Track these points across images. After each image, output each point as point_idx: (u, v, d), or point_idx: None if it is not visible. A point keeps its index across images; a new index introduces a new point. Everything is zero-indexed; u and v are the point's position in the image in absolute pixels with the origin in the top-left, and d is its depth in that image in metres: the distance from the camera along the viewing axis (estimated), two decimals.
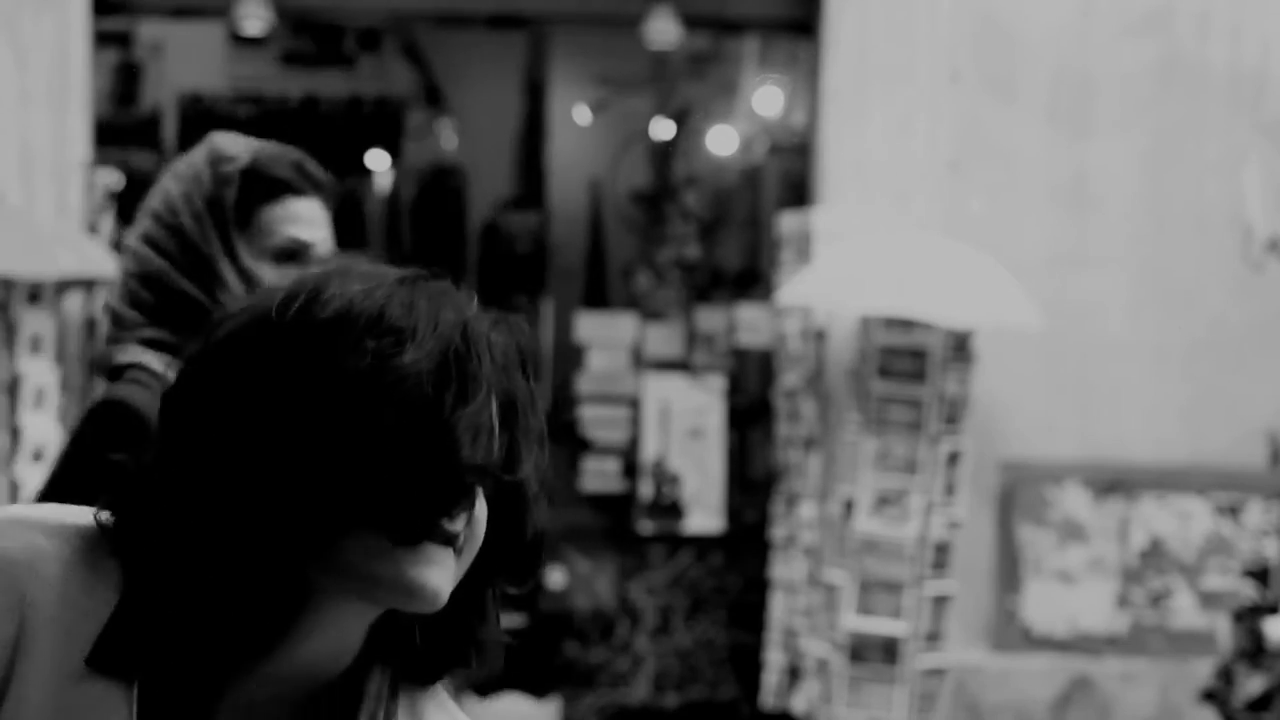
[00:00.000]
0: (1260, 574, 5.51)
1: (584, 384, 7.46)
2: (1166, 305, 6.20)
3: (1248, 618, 5.20)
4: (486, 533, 1.30)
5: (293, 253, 2.60)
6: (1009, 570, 6.19)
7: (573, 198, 10.28)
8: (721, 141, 8.85)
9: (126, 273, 2.59)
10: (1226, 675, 5.15)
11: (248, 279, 2.54)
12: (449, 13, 7.38)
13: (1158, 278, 6.21)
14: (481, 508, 1.29)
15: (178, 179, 2.59)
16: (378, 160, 10.44)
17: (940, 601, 5.71)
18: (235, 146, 2.60)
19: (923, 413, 5.61)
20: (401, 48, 9.89)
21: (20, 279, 5.29)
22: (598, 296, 9.77)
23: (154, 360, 2.51)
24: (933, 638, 5.70)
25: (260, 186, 2.58)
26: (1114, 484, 6.20)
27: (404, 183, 10.63)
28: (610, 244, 10.05)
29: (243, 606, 1.25)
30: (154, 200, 2.60)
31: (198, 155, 2.60)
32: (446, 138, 10.73)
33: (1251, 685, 5.02)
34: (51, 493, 2.42)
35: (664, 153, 9.16)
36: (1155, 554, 6.20)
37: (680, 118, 9.18)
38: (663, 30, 6.91)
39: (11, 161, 5.75)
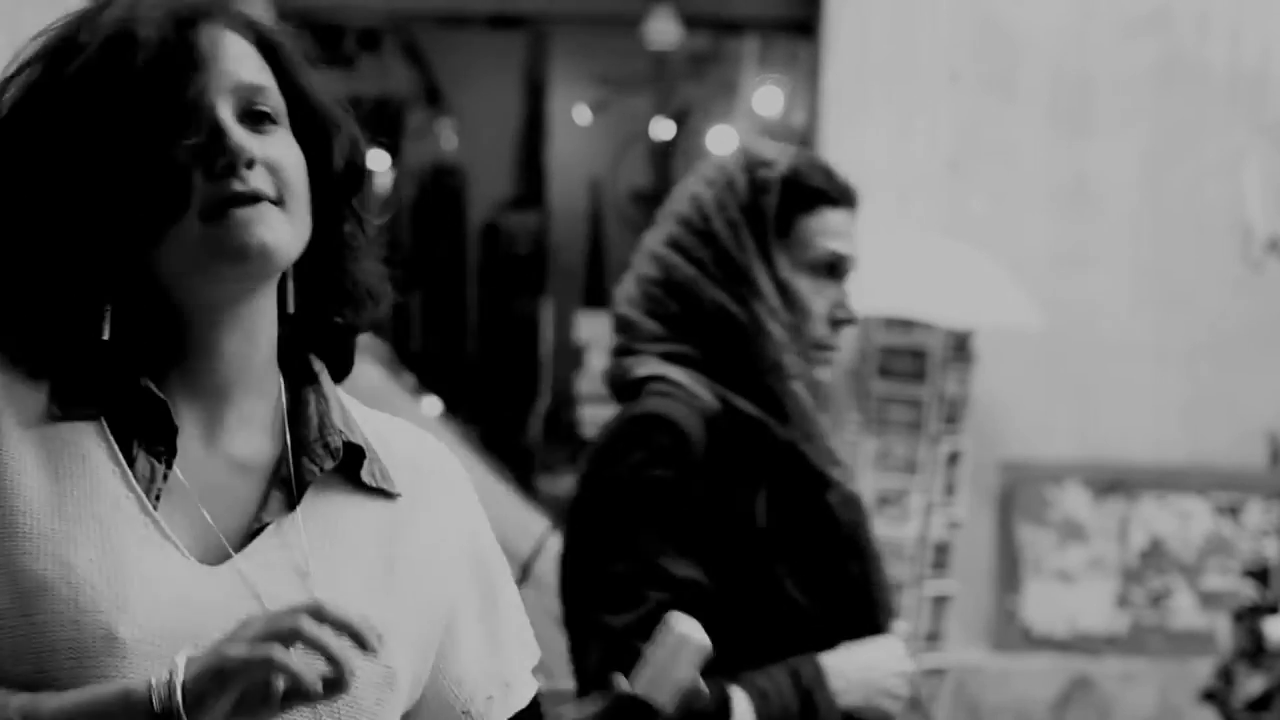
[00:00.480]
0: (1260, 574, 5.50)
1: (584, 384, 7.46)
2: (1166, 305, 6.20)
3: (1248, 618, 5.20)
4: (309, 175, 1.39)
5: (832, 266, 2.52)
6: (1009, 570, 6.19)
7: (573, 198, 10.29)
8: (721, 141, 8.85)
9: (647, 280, 2.45)
10: (1226, 675, 5.15)
11: (784, 290, 2.44)
12: (449, 13, 7.38)
13: (1158, 278, 6.21)
14: (282, 153, 1.38)
15: (708, 184, 2.45)
16: (377, 160, 10.44)
17: (940, 601, 5.71)
18: (771, 152, 2.49)
19: (923, 413, 5.61)
20: (401, 48, 9.89)
21: None
22: (598, 296, 9.77)
23: (678, 374, 2.38)
24: (933, 638, 5.70)
25: (799, 195, 2.47)
26: (1114, 484, 6.20)
27: (404, 183, 10.63)
28: (610, 244, 10.05)
29: (128, 332, 1.37)
30: (679, 205, 2.46)
31: (731, 160, 2.48)
32: (446, 138, 10.74)
33: (1251, 685, 5.02)
34: (594, 518, 2.31)
35: (664, 153, 9.16)
36: (1155, 554, 6.21)
37: (680, 118, 9.19)
38: (663, 30, 6.91)
39: None
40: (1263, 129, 6.18)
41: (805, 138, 6.53)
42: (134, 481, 1.35)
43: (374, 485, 1.44)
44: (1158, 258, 6.21)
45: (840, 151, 6.24)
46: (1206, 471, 6.20)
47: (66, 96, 1.38)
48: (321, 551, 1.40)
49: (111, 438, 1.36)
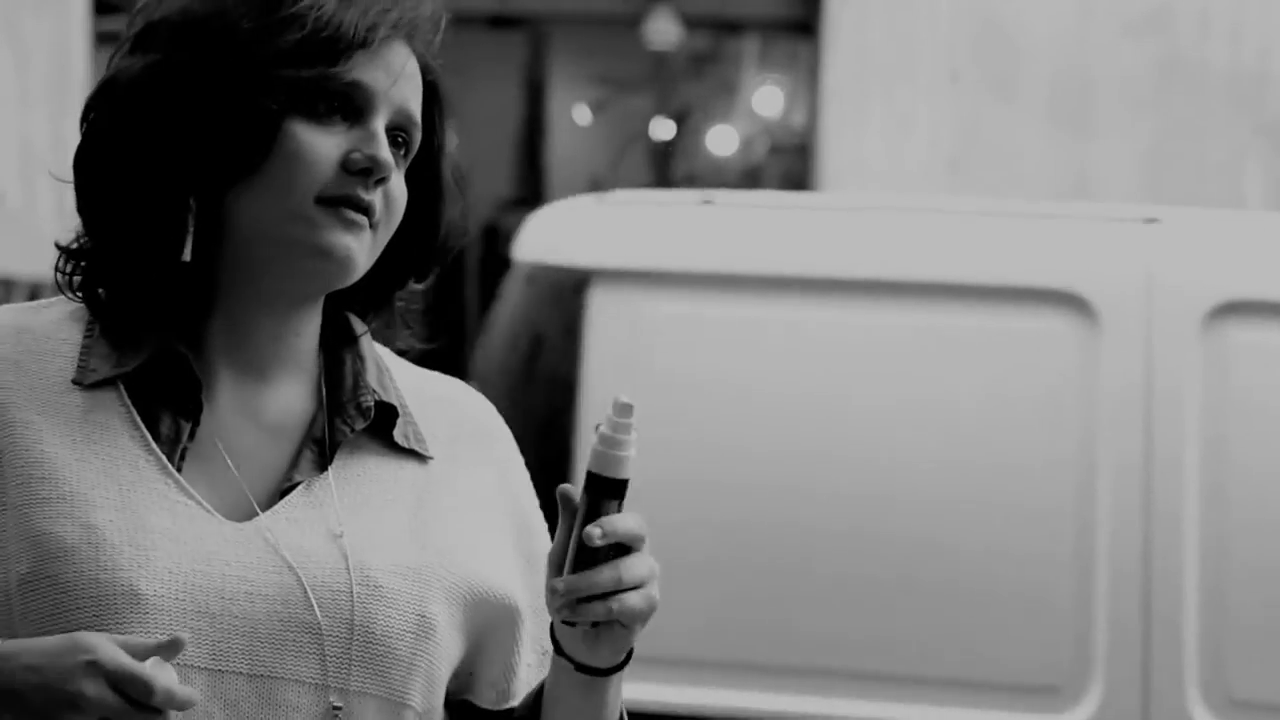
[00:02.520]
0: None
1: None
2: None
3: None
4: (404, 220, 1.43)
5: None
6: None
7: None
8: (721, 141, 8.85)
9: None
10: None
11: None
12: (449, 13, 7.38)
13: None
14: (400, 189, 1.41)
15: None
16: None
17: None
18: None
19: None
20: None
21: (20, 279, 5.29)
22: None
23: None
24: None
25: None
26: None
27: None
28: None
29: (167, 279, 1.39)
30: None
31: None
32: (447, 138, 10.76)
33: None
34: None
35: (664, 153, 9.16)
36: None
37: (680, 118, 9.19)
38: (663, 30, 6.91)
39: (11, 161, 5.75)
40: (1263, 129, 6.18)
41: (805, 138, 6.53)
42: (153, 443, 1.37)
43: (406, 446, 1.45)
44: None
45: (840, 151, 6.24)
46: None
47: (248, 29, 1.37)
48: (354, 510, 1.41)
49: (130, 402, 1.39)
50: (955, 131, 6.19)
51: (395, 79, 1.41)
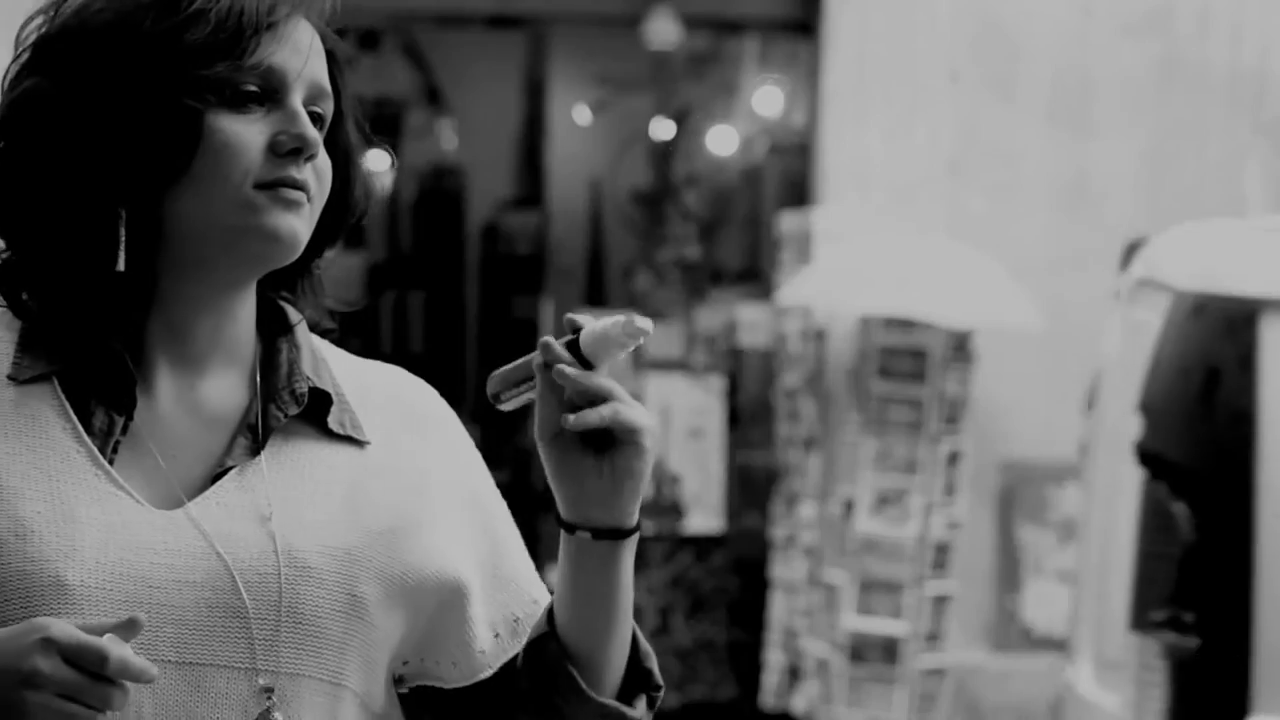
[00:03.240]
0: None
1: None
2: None
3: None
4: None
5: None
6: (1009, 570, 6.19)
7: (573, 198, 10.28)
8: (721, 141, 8.84)
9: None
10: None
11: None
12: (449, 13, 7.38)
13: None
14: (325, 161, 1.42)
15: None
16: (378, 160, 10.43)
17: (940, 601, 5.71)
18: None
19: (923, 413, 5.62)
20: (401, 48, 9.88)
21: None
22: (598, 296, 9.77)
23: None
24: (933, 638, 5.70)
25: None
26: None
27: (404, 183, 10.63)
28: (610, 244, 10.05)
29: (102, 286, 1.39)
30: None
31: None
32: (446, 138, 10.73)
33: None
34: None
35: (664, 153, 9.16)
36: None
37: (680, 118, 9.18)
38: (663, 30, 6.91)
39: None
40: (1263, 129, 6.18)
41: (805, 138, 6.53)
42: (84, 435, 1.38)
43: (341, 433, 1.46)
44: None
45: (840, 151, 6.24)
46: None
47: (153, 31, 1.38)
48: (284, 494, 1.41)
49: (63, 396, 1.39)
50: (955, 131, 6.19)
51: (305, 57, 1.41)
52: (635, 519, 1.42)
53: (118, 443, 1.40)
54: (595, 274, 10.18)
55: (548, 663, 1.44)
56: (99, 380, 1.41)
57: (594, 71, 9.83)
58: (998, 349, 5.97)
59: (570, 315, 1.42)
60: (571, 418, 1.37)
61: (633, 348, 1.38)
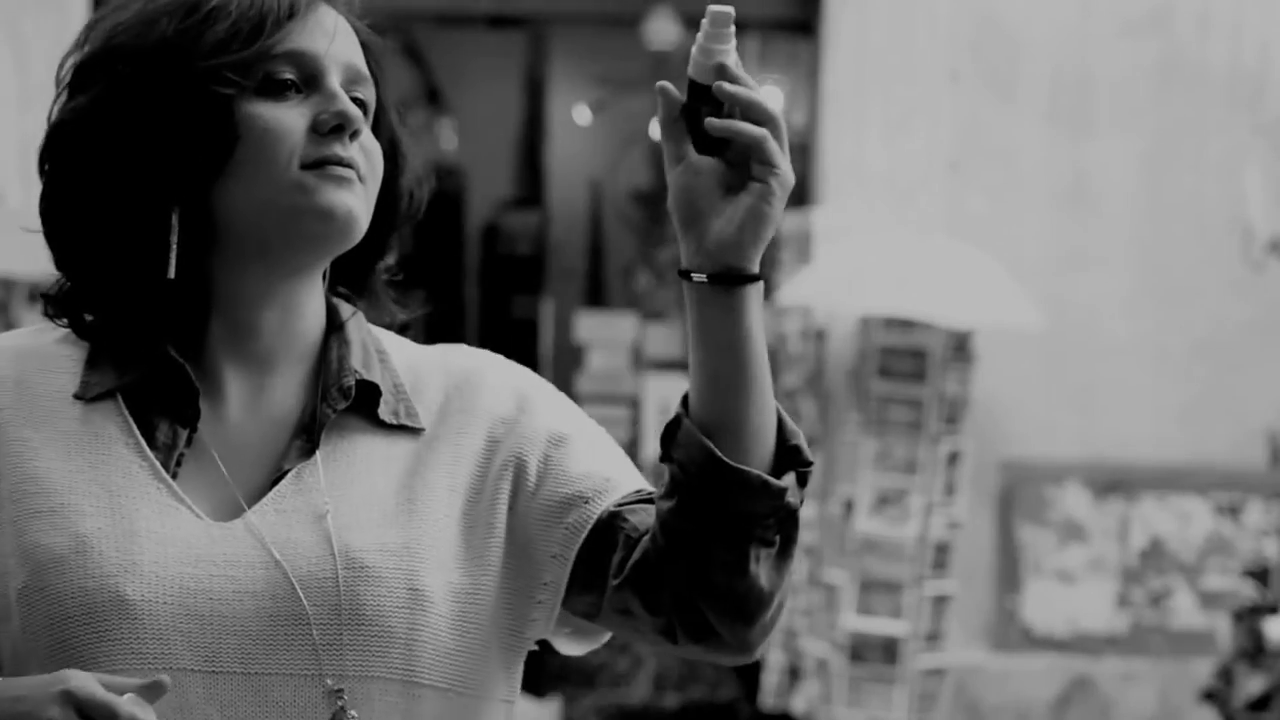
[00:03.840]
0: (1260, 574, 5.50)
1: (584, 384, 7.45)
2: (1166, 305, 6.20)
3: (1248, 618, 5.20)
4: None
5: None
6: (1009, 570, 6.19)
7: (573, 198, 10.28)
8: None
9: None
10: (1226, 675, 5.15)
11: None
12: (449, 13, 7.38)
13: (1158, 278, 6.21)
14: (373, 141, 1.43)
15: None
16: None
17: (940, 601, 5.71)
18: None
19: (923, 413, 5.62)
20: (401, 48, 9.89)
21: (20, 279, 5.29)
22: (598, 296, 9.77)
23: None
24: (933, 638, 5.70)
25: None
26: (1114, 484, 6.20)
27: None
28: (610, 244, 10.05)
29: (159, 296, 1.40)
30: None
31: None
32: (446, 138, 10.73)
33: (1251, 685, 5.02)
34: None
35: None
36: (1155, 554, 6.20)
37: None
38: (663, 30, 6.91)
39: (11, 161, 5.75)
40: (1263, 129, 6.18)
41: (805, 137, 6.53)
42: (146, 450, 1.39)
43: (394, 423, 1.45)
44: (1158, 258, 6.21)
45: (840, 152, 6.24)
46: (1206, 471, 6.19)
47: (177, 31, 1.39)
48: (341, 492, 1.40)
49: (127, 411, 1.40)
50: (955, 131, 6.19)
51: (332, 37, 1.41)
52: (756, 266, 1.35)
53: (181, 455, 1.40)
54: (595, 274, 10.17)
55: (682, 442, 1.36)
56: (163, 394, 1.41)
57: (594, 71, 9.83)
58: (998, 349, 5.97)
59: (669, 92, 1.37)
60: (718, 122, 1.32)
61: (730, 35, 1.32)
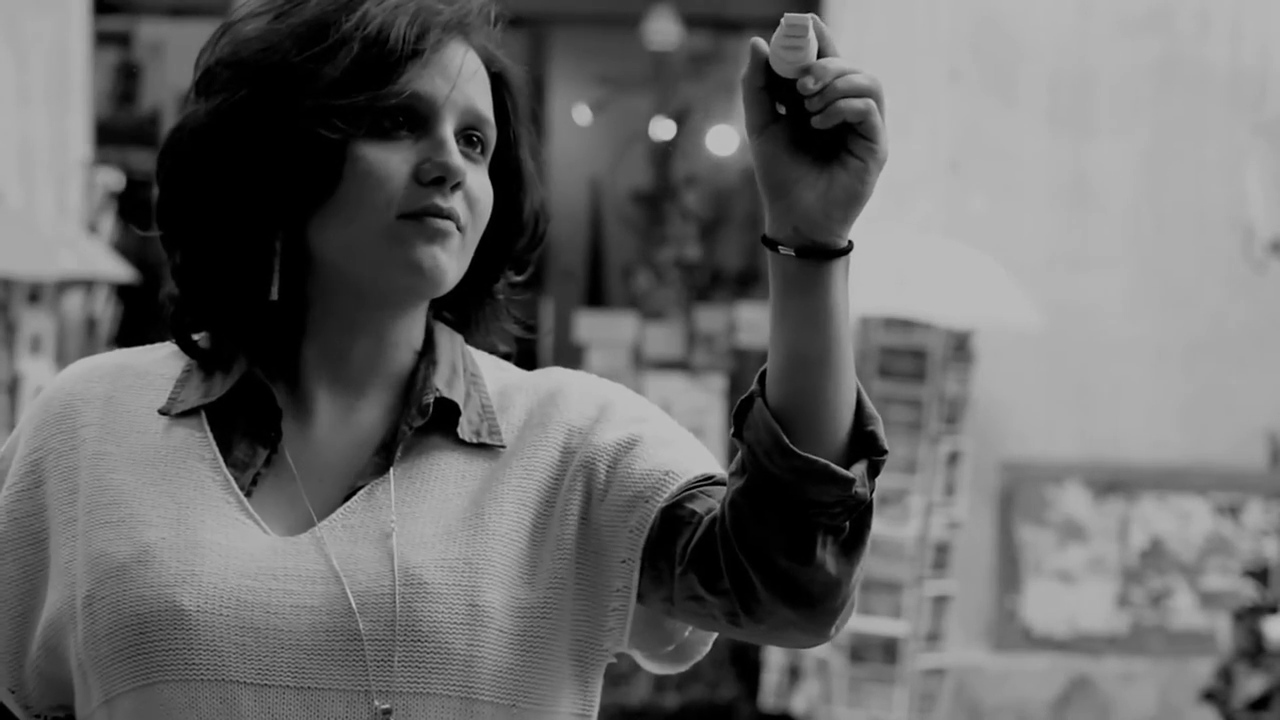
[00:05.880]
0: (1260, 574, 5.50)
1: None
2: (1166, 305, 6.21)
3: (1248, 618, 5.20)
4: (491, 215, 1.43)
5: None
6: (1009, 570, 6.19)
7: (573, 198, 10.28)
8: (721, 141, 8.85)
9: None
10: (1226, 675, 5.15)
11: None
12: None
13: (1158, 278, 6.21)
14: (482, 187, 1.41)
15: None
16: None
17: (940, 601, 5.71)
18: None
19: (923, 413, 5.62)
20: None
21: (20, 279, 5.28)
22: (598, 296, 9.77)
23: None
24: (933, 638, 5.70)
25: None
26: (1114, 484, 6.20)
27: None
28: (610, 244, 10.05)
29: (259, 317, 1.41)
30: None
31: None
32: None
33: (1251, 685, 5.02)
34: None
35: (664, 153, 9.16)
36: (1155, 554, 6.21)
37: (680, 118, 9.18)
38: (663, 30, 6.91)
39: (11, 161, 5.75)
40: (1263, 129, 6.18)
41: None
42: (222, 465, 1.40)
43: (474, 441, 1.44)
44: (1158, 258, 6.21)
45: None
46: (1206, 471, 6.20)
47: (298, 61, 1.38)
48: (409, 507, 1.40)
49: (209, 428, 1.42)
50: (955, 131, 6.19)
51: (454, 82, 1.39)
52: (846, 240, 1.31)
53: (259, 474, 1.41)
54: (595, 274, 10.17)
55: (752, 423, 1.32)
56: (248, 414, 1.42)
57: (594, 71, 9.83)
58: (998, 349, 5.97)
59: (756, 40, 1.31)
60: (822, 115, 1.26)
61: (804, 44, 1.25)
